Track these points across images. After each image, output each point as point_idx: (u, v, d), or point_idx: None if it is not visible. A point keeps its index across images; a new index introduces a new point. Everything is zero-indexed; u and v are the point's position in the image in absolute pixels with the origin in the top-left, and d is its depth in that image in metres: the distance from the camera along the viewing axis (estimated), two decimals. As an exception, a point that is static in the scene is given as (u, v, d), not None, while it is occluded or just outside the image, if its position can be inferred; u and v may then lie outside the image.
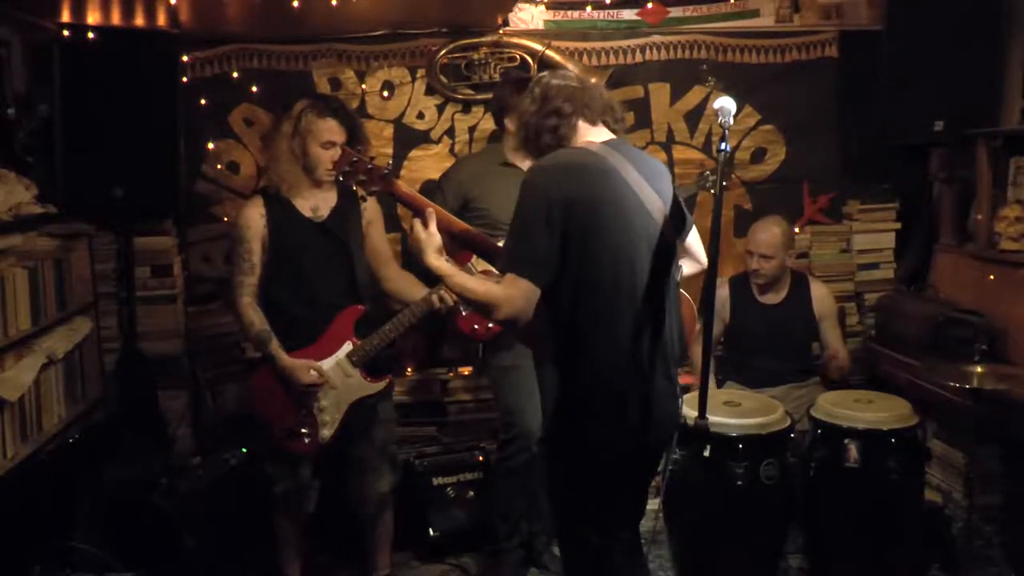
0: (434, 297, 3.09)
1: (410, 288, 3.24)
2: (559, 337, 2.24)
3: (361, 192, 2.65)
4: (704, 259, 2.49)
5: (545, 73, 2.48)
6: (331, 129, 3.04)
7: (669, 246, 2.32)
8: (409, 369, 4.07)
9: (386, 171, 2.59)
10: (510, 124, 3.38)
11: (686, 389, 3.44)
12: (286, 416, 3.05)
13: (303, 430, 3.06)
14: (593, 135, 2.35)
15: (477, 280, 2.33)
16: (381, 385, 3.14)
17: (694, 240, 2.52)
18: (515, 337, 2.45)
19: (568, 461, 2.33)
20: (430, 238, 2.31)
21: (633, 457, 2.35)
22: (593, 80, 2.52)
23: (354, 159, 2.53)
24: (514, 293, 2.15)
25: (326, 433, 3.07)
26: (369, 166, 2.53)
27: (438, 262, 2.30)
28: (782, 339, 3.79)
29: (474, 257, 3.25)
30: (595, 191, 2.20)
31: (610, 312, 2.21)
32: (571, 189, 2.18)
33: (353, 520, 3.34)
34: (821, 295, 3.84)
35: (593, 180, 2.22)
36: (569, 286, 2.19)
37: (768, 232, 3.73)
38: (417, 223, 2.35)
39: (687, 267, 2.50)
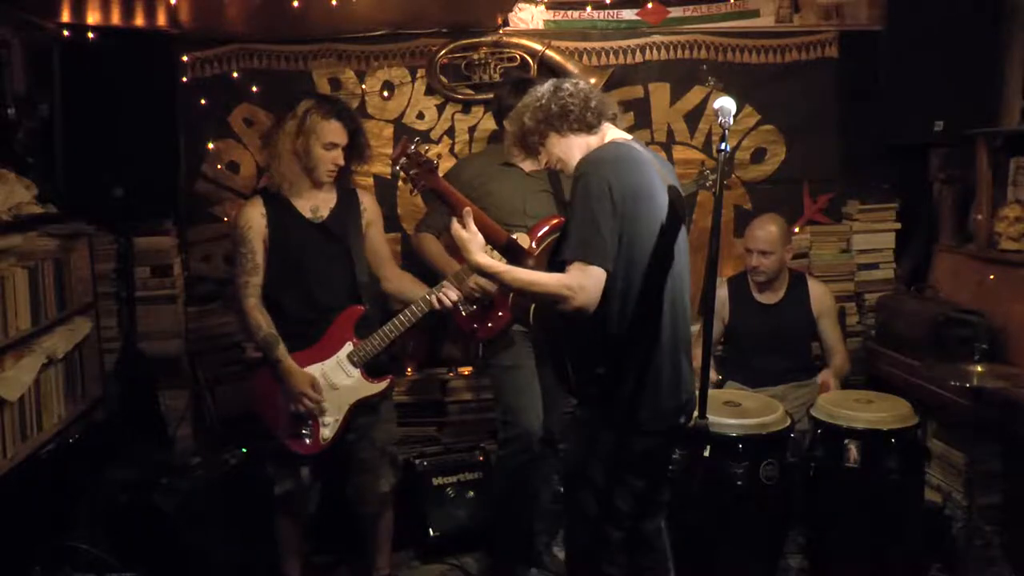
0: (433, 298, 3.09)
1: (410, 288, 3.24)
2: (602, 321, 2.27)
3: (410, 186, 2.67)
4: None
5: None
6: (334, 131, 3.04)
7: (681, 235, 2.41)
8: (409, 369, 4.07)
9: (435, 165, 2.61)
10: (509, 124, 3.38)
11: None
12: (287, 417, 3.05)
13: (304, 431, 3.06)
14: (615, 133, 2.45)
15: (538, 272, 2.33)
16: (382, 386, 3.14)
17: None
18: (534, 322, 2.46)
19: (601, 444, 2.36)
20: (473, 236, 2.33)
21: (663, 439, 2.43)
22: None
23: (411, 150, 2.53)
24: (586, 282, 2.19)
25: (327, 434, 3.07)
26: (423, 159, 2.54)
27: (486, 260, 2.31)
28: (781, 339, 3.79)
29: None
30: (639, 182, 2.29)
31: (651, 298, 2.30)
32: (624, 180, 2.26)
33: (353, 520, 3.34)
34: (819, 294, 3.84)
35: (637, 172, 2.31)
36: (619, 272, 2.25)
37: (765, 229, 3.74)
38: (455, 224, 2.35)
39: None
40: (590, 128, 2.41)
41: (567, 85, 2.42)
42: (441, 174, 3.72)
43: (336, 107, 3.10)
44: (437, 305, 3.09)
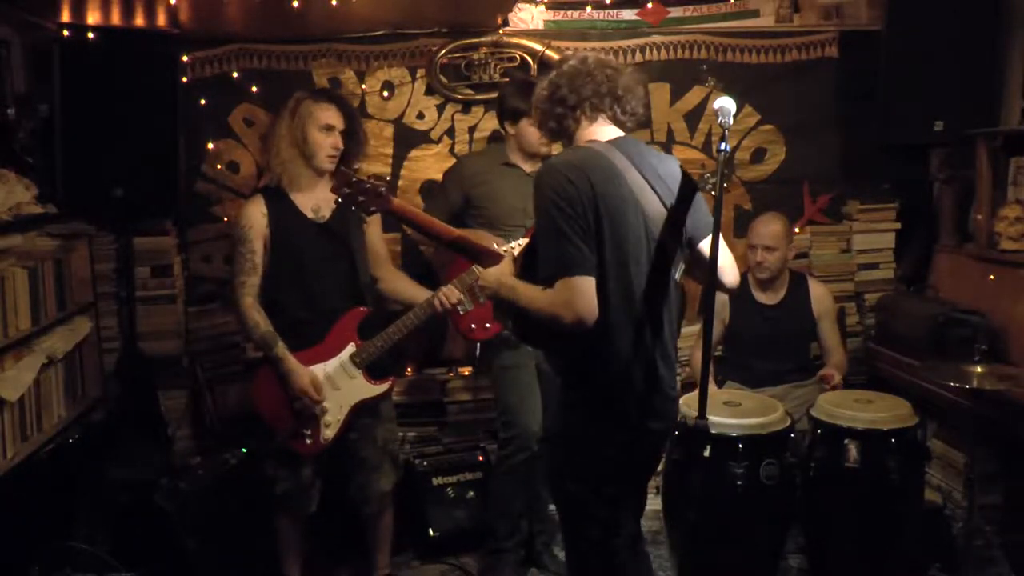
0: (436, 301, 3.10)
1: (406, 288, 3.25)
2: (569, 337, 2.17)
3: (361, 213, 2.66)
4: (730, 277, 2.38)
5: (570, 53, 2.45)
6: (330, 113, 3.04)
7: (667, 251, 2.27)
8: (409, 369, 4.07)
9: (383, 189, 2.59)
10: (510, 127, 3.39)
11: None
12: (288, 417, 3.05)
13: (305, 431, 3.06)
14: (598, 132, 2.31)
15: (537, 290, 2.20)
16: (384, 387, 3.14)
17: (722, 254, 2.26)
18: (517, 334, 2.42)
19: (574, 458, 2.32)
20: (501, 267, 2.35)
21: (637, 455, 2.37)
22: (609, 64, 2.41)
23: (353, 179, 2.53)
24: (571, 296, 2.09)
25: (328, 434, 3.07)
26: (367, 186, 2.53)
27: (512, 281, 2.29)
28: (781, 339, 3.79)
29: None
30: (600, 188, 2.17)
31: (616, 312, 2.19)
32: (582, 186, 2.15)
33: (353, 520, 3.34)
34: (820, 294, 3.85)
35: (599, 179, 2.18)
36: None
37: (769, 226, 3.75)
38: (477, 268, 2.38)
39: (728, 278, 2.37)
40: (569, 140, 2.34)
41: (563, 91, 2.29)
42: (439, 174, 3.75)
43: (328, 93, 3.12)
44: (439, 308, 3.09)
